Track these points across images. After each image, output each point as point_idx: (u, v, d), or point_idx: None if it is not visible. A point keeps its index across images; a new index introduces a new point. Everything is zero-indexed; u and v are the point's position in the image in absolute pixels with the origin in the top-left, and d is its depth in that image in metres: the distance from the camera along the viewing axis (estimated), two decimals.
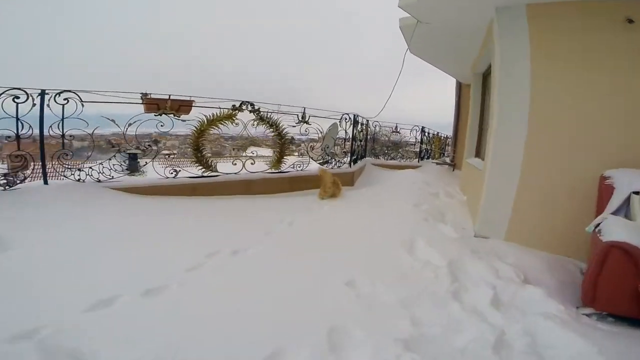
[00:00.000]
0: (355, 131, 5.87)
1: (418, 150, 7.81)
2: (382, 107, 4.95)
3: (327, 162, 5.36)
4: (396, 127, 7.42)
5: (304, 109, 4.69)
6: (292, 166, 4.79)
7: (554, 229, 3.09)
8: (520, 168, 3.01)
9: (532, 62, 2.89)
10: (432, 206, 4.13)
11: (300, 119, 4.70)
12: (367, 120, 7.06)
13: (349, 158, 5.76)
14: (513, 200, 3.13)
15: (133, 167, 6.57)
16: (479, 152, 5.51)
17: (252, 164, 4.32)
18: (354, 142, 5.82)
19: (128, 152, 6.66)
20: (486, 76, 5.28)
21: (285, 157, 4.65)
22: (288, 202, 4.07)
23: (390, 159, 7.74)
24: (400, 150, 7.66)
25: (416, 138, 7.74)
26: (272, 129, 4.47)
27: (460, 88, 7.87)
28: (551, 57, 2.87)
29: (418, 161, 7.77)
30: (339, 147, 5.73)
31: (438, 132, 9.61)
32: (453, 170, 7.81)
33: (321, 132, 5.12)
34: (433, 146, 9.29)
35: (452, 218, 3.79)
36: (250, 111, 4.21)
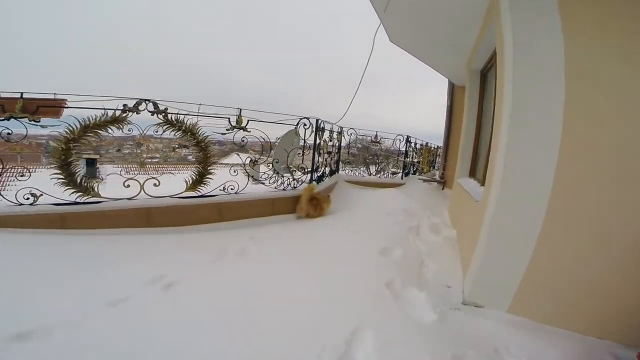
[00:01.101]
0: (320, 141, 4.74)
1: (402, 164, 6.69)
2: (347, 108, 3.82)
3: (297, 177, 4.21)
4: (376, 136, 6.32)
5: (240, 111, 3.55)
6: (223, 188, 3.61)
7: (588, 298, 2.02)
8: (548, 203, 1.90)
9: (567, 39, 1.78)
10: (408, 250, 2.98)
11: (234, 124, 3.54)
12: (341, 128, 5.95)
13: (310, 176, 4.60)
14: (531, 253, 2.02)
15: (91, 173, 5.37)
16: (474, 171, 4.40)
17: (155, 185, 3.12)
18: (317, 155, 4.67)
19: (85, 157, 5.44)
20: (485, 74, 4.22)
21: (209, 176, 3.47)
22: (200, 242, 2.88)
23: (377, 173, 6.61)
24: (382, 163, 6.52)
25: (399, 150, 6.64)
26: (188, 137, 3.29)
27: (453, 90, 6.84)
28: (601, 28, 1.77)
29: (402, 177, 6.65)
30: (294, 162, 4.58)
31: (427, 143, 8.55)
32: (443, 188, 6.73)
33: (269, 141, 3.97)
34: (421, 158, 8.20)
35: (434, 271, 2.64)
36: (153, 112, 3.04)
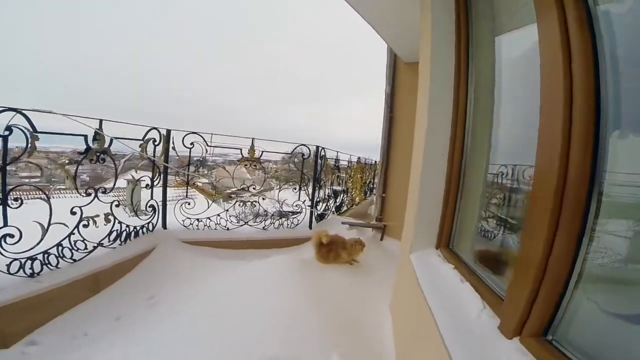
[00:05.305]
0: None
1: (311, 199, 3.88)
2: None
3: None
4: (258, 152, 3.41)
5: None
6: None
7: None
8: None
9: None
10: None
11: None
12: (168, 131, 3.00)
13: None
14: None
15: None
16: (452, 237, 1.72)
17: None
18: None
19: None
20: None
21: None
22: None
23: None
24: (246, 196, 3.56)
25: (302, 172, 3.83)
26: None
27: (395, 68, 4.38)
28: None
29: (311, 223, 3.84)
30: None
31: (359, 158, 6.00)
32: (382, 238, 4.09)
33: None
34: (350, 183, 5.59)
35: None
36: None
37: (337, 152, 4.60)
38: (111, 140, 2.47)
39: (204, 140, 3.19)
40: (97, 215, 2.30)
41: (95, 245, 2.33)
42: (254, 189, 3.66)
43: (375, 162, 7.40)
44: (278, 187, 3.99)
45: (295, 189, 3.85)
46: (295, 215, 3.74)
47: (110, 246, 2.45)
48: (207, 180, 3.62)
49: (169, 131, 3.09)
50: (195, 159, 3.29)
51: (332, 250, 2.97)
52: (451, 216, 1.76)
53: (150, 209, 2.90)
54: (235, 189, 3.60)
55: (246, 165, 3.34)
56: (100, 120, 2.45)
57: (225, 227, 3.32)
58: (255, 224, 3.51)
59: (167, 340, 1.95)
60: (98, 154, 2.38)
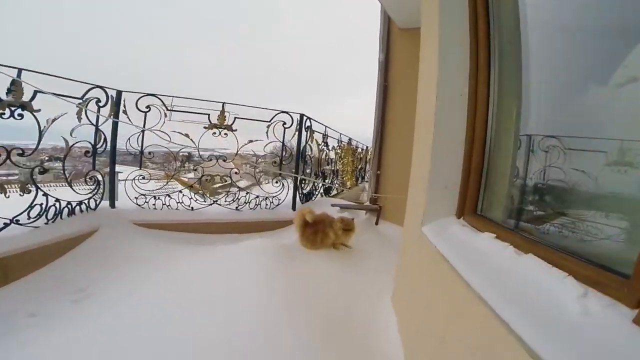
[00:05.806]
0: None
1: (295, 179, 3.37)
2: None
3: None
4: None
5: None
6: None
7: None
8: None
9: None
10: None
11: None
12: (119, 92, 2.45)
13: None
14: None
15: None
16: (480, 201, 1.22)
17: None
18: None
19: None
20: None
21: None
22: None
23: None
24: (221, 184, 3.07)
25: (282, 143, 3.30)
26: None
27: (389, 32, 3.92)
28: None
29: (295, 203, 3.35)
30: None
31: (350, 140, 5.53)
32: (377, 222, 3.63)
33: None
34: (342, 164, 5.12)
35: None
36: None
37: (326, 127, 4.09)
38: (34, 94, 1.93)
39: (163, 104, 2.65)
40: (7, 182, 1.74)
41: (7, 222, 1.78)
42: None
43: (367, 147, 6.95)
44: (266, 181, 3.50)
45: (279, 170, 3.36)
46: (275, 194, 3.23)
47: (30, 224, 1.90)
48: (192, 175, 3.14)
49: (119, 92, 2.54)
50: (181, 154, 2.80)
51: (318, 232, 2.48)
52: (477, 175, 1.28)
53: (92, 182, 2.35)
54: (222, 183, 3.15)
55: (214, 133, 2.81)
56: (19, 70, 1.91)
57: (189, 206, 2.80)
58: (227, 203, 2.99)
59: (100, 339, 1.46)
60: (13, 108, 1.82)
